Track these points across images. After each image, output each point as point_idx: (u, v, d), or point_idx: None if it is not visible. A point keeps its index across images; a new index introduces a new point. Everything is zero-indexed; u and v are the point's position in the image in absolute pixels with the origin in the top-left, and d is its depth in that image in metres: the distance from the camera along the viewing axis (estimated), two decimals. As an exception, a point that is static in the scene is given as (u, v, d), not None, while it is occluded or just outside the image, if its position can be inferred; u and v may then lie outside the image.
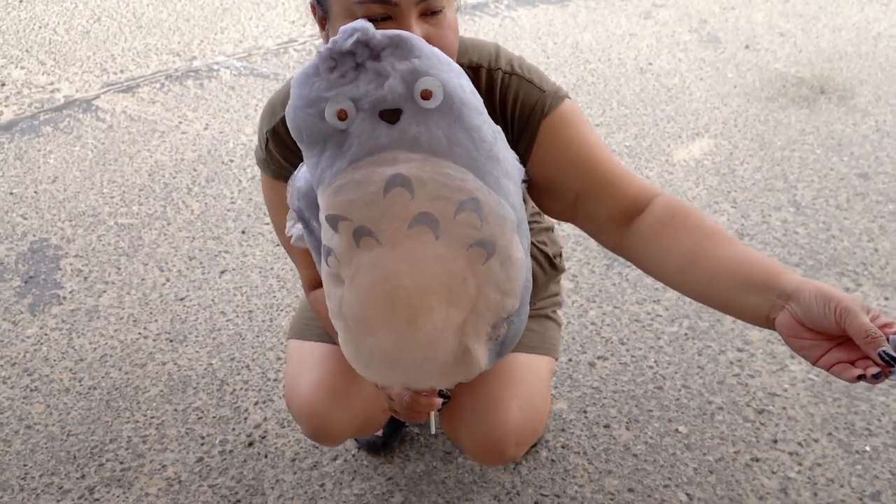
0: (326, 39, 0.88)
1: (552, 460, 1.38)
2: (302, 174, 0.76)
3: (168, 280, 1.87)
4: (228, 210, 2.12)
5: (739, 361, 1.57)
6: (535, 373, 1.12)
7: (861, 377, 0.64)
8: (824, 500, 1.29)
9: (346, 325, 0.71)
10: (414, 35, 0.71)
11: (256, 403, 1.51)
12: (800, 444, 1.39)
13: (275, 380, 1.57)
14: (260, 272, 1.88)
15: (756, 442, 1.40)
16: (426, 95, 0.67)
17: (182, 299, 1.80)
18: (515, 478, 1.34)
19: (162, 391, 1.55)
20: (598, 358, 1.60)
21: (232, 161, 2.37)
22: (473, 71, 0.92)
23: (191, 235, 2.02)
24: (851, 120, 2.45)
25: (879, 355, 0.63)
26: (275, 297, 1.80)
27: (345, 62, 0.69)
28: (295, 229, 0.79)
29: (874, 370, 0.63)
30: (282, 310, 1.76)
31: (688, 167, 2.25)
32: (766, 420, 1.44)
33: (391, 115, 0.68)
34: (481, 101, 0.72)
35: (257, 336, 1.68)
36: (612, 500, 1.31)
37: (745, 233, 1.96)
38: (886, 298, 1.72)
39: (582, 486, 1.34)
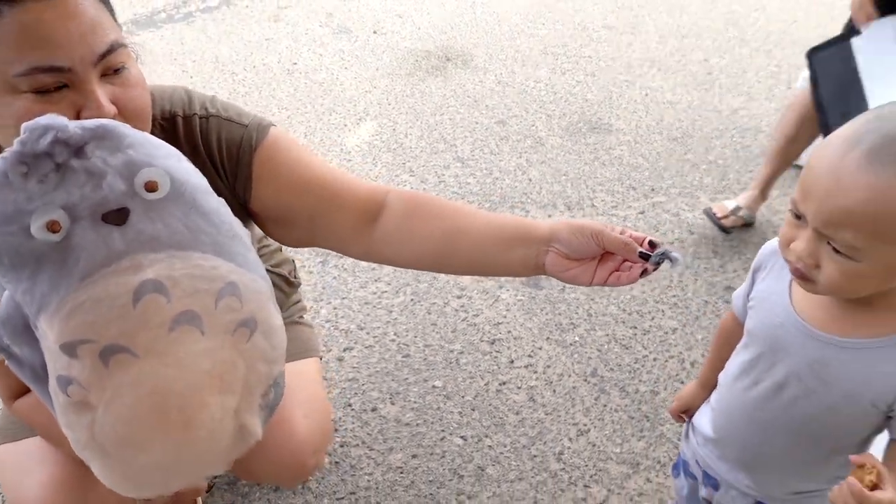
0: None
1: (336, 462, 1.38)
2: None
3: None
4: None
5: (463, 307, 1.75)
6: (306, 377, 1.11)
7: (644, 272, 0.78)
8: (561, 393, 1.52)
9: (103, 452, 0.61)
10: (119, 122, 0.63)
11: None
12: (530, 356, 1.61)
13: (-12, 520, 1.28)
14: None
15: (498, 369, 1.58)
16: (151, 188, 0.61)
17: None
18: (308, 496, 1.32)
19: None
20: (345, 350, 1.63)
21: None
22: (169, 120, 0.87)
23: None
24: (477, 78, 2.83)
25: (639, 255, 0.77)
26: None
27: (41, 165, 0.58)
28: None
29: (648, 265, 0.77)
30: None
31: (362, 150, 2.37)
32: (499, 347, 1.63)
33: (117, 217, 0.60)
34: (205, 178, 0.68)
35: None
36: (401, 472, 1.37)
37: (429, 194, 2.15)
38: (549, 216, 2.05)
39: (371, 473, 1.37)
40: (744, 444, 0.82)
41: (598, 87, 2.73)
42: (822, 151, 0.64)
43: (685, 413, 0.97)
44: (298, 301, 1.26)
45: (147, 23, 3.33)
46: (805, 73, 1.71)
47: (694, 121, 2.50)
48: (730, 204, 1.92)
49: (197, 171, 0.67)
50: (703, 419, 0.89)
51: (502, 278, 1.82)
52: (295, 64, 2.96)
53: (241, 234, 0.68)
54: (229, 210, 0.68)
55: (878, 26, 1.43)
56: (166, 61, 2.98)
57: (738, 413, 0.81)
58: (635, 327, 1.68)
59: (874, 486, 0.61)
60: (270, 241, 1.23)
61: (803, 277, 0.68)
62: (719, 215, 1.91)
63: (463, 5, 3.49)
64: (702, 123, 2.48)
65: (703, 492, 0.91)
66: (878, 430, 0.74)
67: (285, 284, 1.20)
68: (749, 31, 3.18)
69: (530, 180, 2.21)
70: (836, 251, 0.63)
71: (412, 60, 2.97)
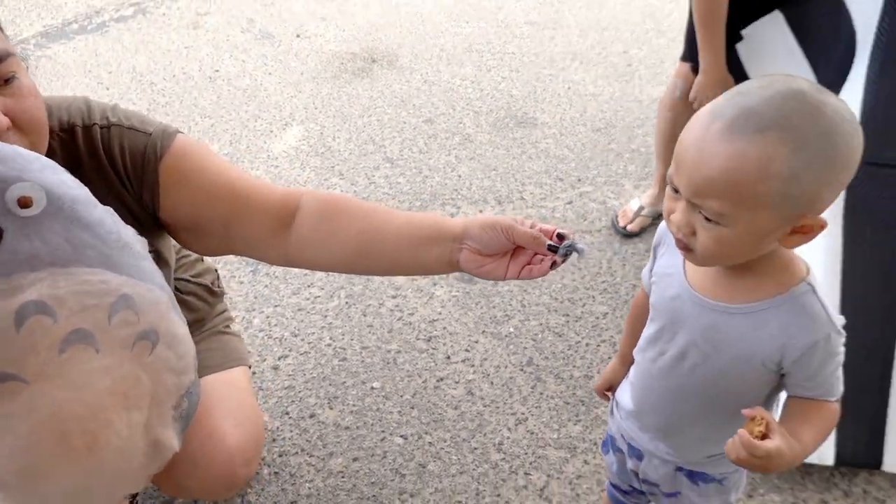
0: None
1: (275, 473, 1.36)
2: None
3: None
4: None
5: (398, 307, 1.74)
6: (234, 386, 1.10)
7: (553, 264, 0.81)
8: (498, 385, 1.54)
9: (4, 485, 0.58)
10: None
11: None
12: (466, 350, 1.62)
13: None
14: None
15: (435, 365, 1.59)
16: (25, 203, 0.58)
17: None
18: (246, 508, 1.29)
19: None
20: (280, 359, 1.61)
21: None
22: (68, 132, 0.84)
23: None
24: (404, 78, 2.83)
25: (548, 248, 0.80)
26: None
27: None
28: None
29: (556, 257, 0.81)
30: None
31: (290, 156, 2.34)
32: (435, 344, 1.64)
33: None
34: (86, 189, 0.65)
35: None
36: (343, 477, 1.36)
37: (360, 197, 2.14)
38: (480, 211, 2.08)
39: (312, 480, 1.35)
40: (658, 413, 0.85)
41: (523, 83, 2.77)
42: (690, 126, 0.68)
43: (609, 390, 1.00)
44: (224, 311, 1.24)
45: (58, 34, 3.20)
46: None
47: (616, 111, 2.57)
48: (634, 205, 1.98)
49: (77, 182, 0.65)
50: (624, 394, 0.92)
51: (436, 276, 1.83)
52: (217, 71, 2.89)
53: (132, 243, 0.65)
54: (118, 219, 0.66)
55: (758, 27, 1.49)
56: (80, 74, 2.86)
57: (650, 384, 0.85)
58: (567, 315, 1.71)
59: (763, 437, 0.64)
60: None
61: (685, 248, 0.71)
62: (622, 224, 1.95)
63: (387, 6, 3.49)
64: (623, 114, 2.55)
65: (630, 464, 0.94)
66: (778, 389, 0.78)
67: (208, 294, 1.18)
68: (665, 23, 3.28)
69: (460, 177, 2.22)
70: (707, 219, 0.67)
71: (337, 63, 2.95)
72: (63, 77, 2.83)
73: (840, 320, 0.73)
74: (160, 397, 0.64)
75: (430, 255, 0.84)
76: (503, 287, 1.79)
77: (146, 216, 0.90)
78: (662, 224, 0.80)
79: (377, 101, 2.66)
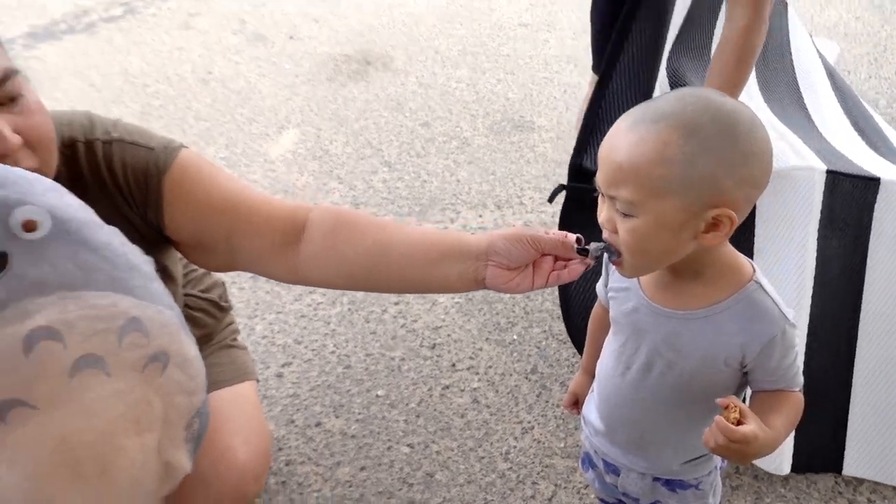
0: None
1: (282, 482, 1.35)
2: None
3: None
4: None
5: (401, 313, 1.74)
6: (243, 401, 1.09)
7: (587, 267, 0.82)
8: (504, 393, 1.54)
9: None
10: None
11: None
12: (471, 357, 1.62)
13: None
14: None
15: (440, 373, 1.58)
16: (30, 227, 0.57)
17: None
18: (255, 520, 1.29)
19: None
20: (283, 366, 1.60)
21: None
22: (69, 147, 0.82)
23: None
24: (399, 81, 2.82)
25: (578, 251, 0.81)
26: None
27: None
28: None
29: (588, 260, 0.82)
30: None
31: (287, 160, 2.33)
32: (440, 351, 1.64)
33: None
34: (92, 210, 0.63)
35: None
36: (350, 486, 1.35)
37: (359, 201, 2.13)
38: (480, 216, 2.07)
39: (319, 489, 1.34)
40: (631, 427, 0.86)
41: (518, 86, 2.78)
42: (609, 130, 0.72)
43: (576, 404, 1.01)
44: (231, 323, 1.23)
45: (46, 35, 3.15)
46: None
47: (612, 115, 2.57)
48: None
49: (82, 203, 0.64)
50: (591, 412, 0.92)
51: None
52: (210, 73, 2.86)
53: (139, 264, 0.64)
54: (124, 240, 0.65)
55: None
56: (70, 76, 2.82)
57: (620, 399, 0.86)
58: (570, 321, 1.71)
59: (738, 423, 0.67)
60: None
61: (616, 259, 0.73)
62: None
63: (379, 8, 3.47)
64: (620, 117, 2.56)
65: (608, 479, 0.95)
66: (743, 387, 0.81)
67: (216, 310, 1.17)
68: (657, 26, 3.30)
69: (458, 181, 2.22)
70: (624, 214, 0.70)
71: (332, 65, 2.93)
72: (54, 79, 2.79)
73: (791, 314, 0.75)
74: (172, 419, 0.63)
75: (452, 271, 0.84)
76: (505, 294, 1.79)
77: (151, 233, 0.89)
78: None
79: (373, 104, 2.65)
